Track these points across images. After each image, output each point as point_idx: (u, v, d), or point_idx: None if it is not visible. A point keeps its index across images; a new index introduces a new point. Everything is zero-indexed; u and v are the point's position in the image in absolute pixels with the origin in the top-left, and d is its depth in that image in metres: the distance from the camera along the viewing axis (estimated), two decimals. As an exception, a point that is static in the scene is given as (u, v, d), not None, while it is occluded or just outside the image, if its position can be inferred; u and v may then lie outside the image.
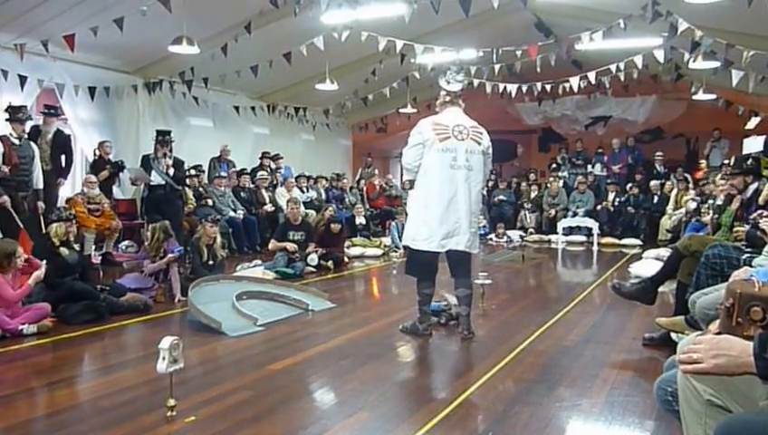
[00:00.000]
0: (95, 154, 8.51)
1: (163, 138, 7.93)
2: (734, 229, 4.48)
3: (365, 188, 12.98)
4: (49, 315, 4.62)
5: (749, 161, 5.28)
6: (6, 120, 6.31)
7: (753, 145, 8.16)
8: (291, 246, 7.46)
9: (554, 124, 14.85)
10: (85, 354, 4.27)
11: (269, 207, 10.02)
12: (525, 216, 12.48)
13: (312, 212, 9.90)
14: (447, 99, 4.41)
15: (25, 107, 6.52)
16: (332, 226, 8.22)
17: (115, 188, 8.61)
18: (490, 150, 4.44)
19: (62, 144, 6.90)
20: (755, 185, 5.00)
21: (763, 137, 8.38)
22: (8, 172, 6.01)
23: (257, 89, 11.26)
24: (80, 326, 4.65)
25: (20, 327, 4.36)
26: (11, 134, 6.21)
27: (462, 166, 4.21)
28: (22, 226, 5.71)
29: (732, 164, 5.81)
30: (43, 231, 5.31)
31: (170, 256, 5.72)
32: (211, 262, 6.15)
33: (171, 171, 7.87)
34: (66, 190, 7.78)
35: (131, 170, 8.29)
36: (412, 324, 4.55)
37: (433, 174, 4.22)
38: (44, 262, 4.72)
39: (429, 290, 4.48)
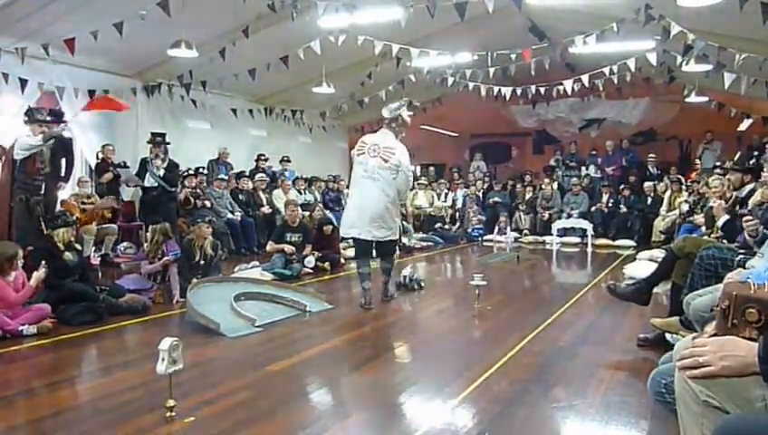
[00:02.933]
0: (98, 157, 8.53)
1: (156, 139, 7.93)
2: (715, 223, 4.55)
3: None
4: (49, 316, 4.64)
5: (752, 161, 5.33)
6: (27, 122, 6.24)
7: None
8: (288, 248, 7.49)
9: (548, 126, 14.93)
10: (85, 355, 4.30)
11: (266, 209, 10.05)
12: (520, 217, 12.55)
13: (308, 214, 9.94)
14: (384, 121, 5.54)
15: (45, 110, 6.47)
16: (324, 228, 8.27)
17: (121, 190, 8.64)
18: (402, 167, 5.35)
19: (63, 147, 6.90)
20: (752, 185, 5.04)
21: None
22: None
23: (255, 92, 11.28)
24: (79, 327, 4.67)
25: (20, 328, 4.39)
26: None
27: (370, 177, 5.34)
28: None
29: (736, 159, 5.88)
30: (45, 233, 5.31)
31: (166, 258, 5.74)
32: (202, 262, 6.14)
33: (162, 172, 7.88)
34: (64, 193, 7.78)
35: (122, 172, 8.34)
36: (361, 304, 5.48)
37: (353, 179, 5.65)
38: (43, 263, 4.74)
39: (363, 269, 5.53)
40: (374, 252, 5.65)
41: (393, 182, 5.34)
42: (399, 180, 5.37)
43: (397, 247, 5.89)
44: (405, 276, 6.58)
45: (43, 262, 4.74)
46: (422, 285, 6.59)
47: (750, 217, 3.39)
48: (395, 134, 5.48)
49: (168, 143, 8.48)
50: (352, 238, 5.70)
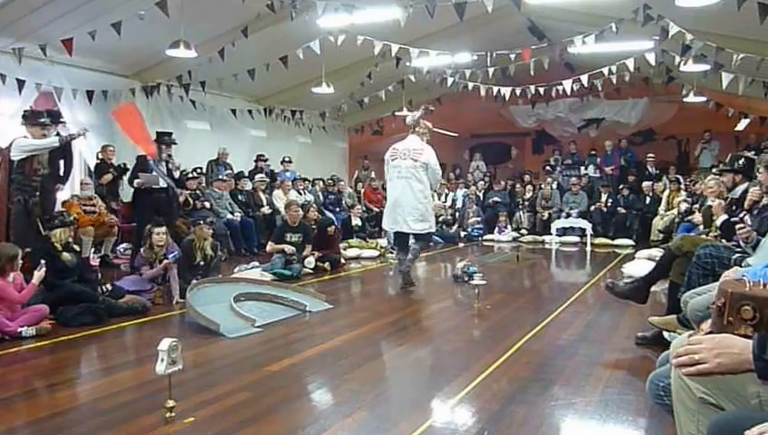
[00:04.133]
0: (98, 158, 8.52)
1: (168, 138, 7.91)
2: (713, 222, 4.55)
3: (363, 192, 13.05)
4: (48, 318, 4.64)
5: (741, 161, 5.32)
6: (25, 124, 6.23)
7: None
8: (288, 249, 7.50)
9: (548, 126, 14.95)
10: (84, 356, 4.30)
11: (266, 210, 10.06)
12: (520, 217, 12.56)
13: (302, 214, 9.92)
14: (409, 129, 6.44)
15: (43, 112, 6.47)
16: (328, 229, 8.28)
17: (121, 191, 8.61)
18: (430, 164, 6.30)
19: (61, 148, 6.92)
20: (745, 185, 5.04)
21: None
22: None
23: (254, 92, 11.29)
24: (78, 328, 4.67)
25: (19, 329, 4.38)
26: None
27: (404, 176, 6.29)
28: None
29: (726, 161, 5.88)
30: (42, 234, 5.31)
31: (166, 261, 5.73)
32: (202, 262, 6.14)
33: (177, 174, 7.84)
34: (63, 194, 7.78)
35: (142, 176, 8.13)
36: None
37: (389, 181, 6.60)
38: (42, 262, 4.74)
39: (401, 255, 6.58)
40: (412, 239, 6.55)
41: (424, 176, 6.30)
42: (430, 174, 6.36)
43: (431, 239, 7.19)
44: (458, 268, 7.06)
45: (42, 261, 4.74)
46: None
47: (742, 226, 3.40)
48: (420, 138, 6.41)
49: (176, 143, 8.46)
50: (394, 233, 6.61)
